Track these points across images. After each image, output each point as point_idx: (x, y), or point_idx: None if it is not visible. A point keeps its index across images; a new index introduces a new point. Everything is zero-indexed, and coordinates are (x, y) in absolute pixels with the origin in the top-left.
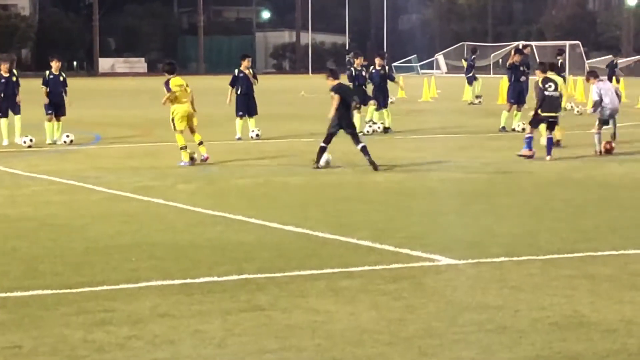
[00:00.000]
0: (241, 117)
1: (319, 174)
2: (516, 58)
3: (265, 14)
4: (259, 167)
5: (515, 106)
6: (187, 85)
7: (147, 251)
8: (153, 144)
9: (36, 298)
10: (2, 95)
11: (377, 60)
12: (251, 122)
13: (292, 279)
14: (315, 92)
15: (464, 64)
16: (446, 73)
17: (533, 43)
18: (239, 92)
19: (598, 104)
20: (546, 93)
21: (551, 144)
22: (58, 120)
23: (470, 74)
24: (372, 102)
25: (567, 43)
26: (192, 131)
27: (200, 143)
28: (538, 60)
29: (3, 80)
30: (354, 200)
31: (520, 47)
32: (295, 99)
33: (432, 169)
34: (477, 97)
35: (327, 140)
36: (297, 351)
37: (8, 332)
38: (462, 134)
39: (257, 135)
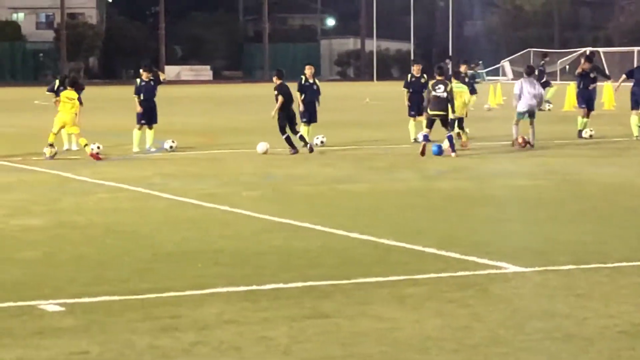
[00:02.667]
0: (306, 123)
1: (383, 181)
2: (586, 66)
3: (330, 21)
4: (323, 174)
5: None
6: (76, 100)
7: (213, 258)
8: (218, 151)
9: (103, 304)
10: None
11: (463, 67)
12: (310, 129)
13: (357, 286)
14: (380, 99)
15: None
16: (512, 79)
17: (600, 49)
18: (303, 99)
19: (517, 97)
20: (433, 94)
21: (452, 140)
22: (150, 128)
23: (543, 80)
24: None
25: (636, 49)
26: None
27: (55, 134)
28: (606, 67)
29: (62, 88)
30: (419, 207)
31: (587, 53)
32: (360, 106)
33: (498, 176)
34: (547, 102)
35: (283, 131)
36: (362, 358)
37: (76, 337)
38: (524, 149)
39: (322, 142)
